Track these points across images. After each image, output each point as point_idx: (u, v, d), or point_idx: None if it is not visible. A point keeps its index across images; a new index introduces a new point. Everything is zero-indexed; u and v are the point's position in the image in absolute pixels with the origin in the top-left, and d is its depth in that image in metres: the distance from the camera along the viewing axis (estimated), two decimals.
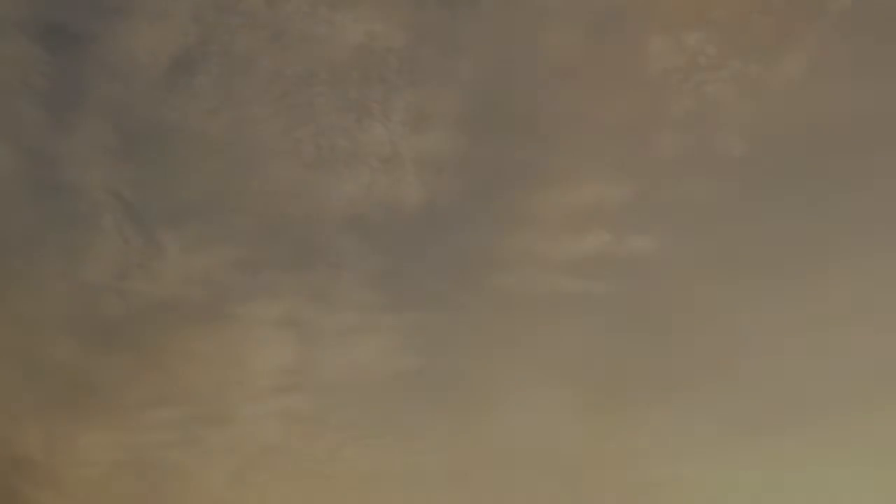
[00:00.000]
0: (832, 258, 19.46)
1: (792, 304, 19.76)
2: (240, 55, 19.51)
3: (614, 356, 20.33)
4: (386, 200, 20.12)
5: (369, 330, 20.79)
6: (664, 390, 20.13)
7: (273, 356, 20.63)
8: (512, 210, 20.16)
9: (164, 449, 20.50)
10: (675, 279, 20.06)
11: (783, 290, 19.83)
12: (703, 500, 19.96)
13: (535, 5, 19.82)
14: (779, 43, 19.11)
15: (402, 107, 19.70)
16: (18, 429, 20.16)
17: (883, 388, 19.19)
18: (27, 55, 19.20)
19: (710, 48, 19.08)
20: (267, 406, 20.75)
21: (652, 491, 20.16)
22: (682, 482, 19.97)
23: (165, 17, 19.27)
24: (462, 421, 20.67)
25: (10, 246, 19.88)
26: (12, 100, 19.39)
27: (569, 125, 19.76)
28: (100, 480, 20.34)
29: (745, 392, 19.89)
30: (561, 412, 20.40)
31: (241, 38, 19.38)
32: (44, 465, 20.16)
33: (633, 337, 20.23)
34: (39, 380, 20.20)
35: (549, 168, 20.01)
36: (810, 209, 19.62)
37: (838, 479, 19.33)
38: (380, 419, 20.89)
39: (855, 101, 18.92)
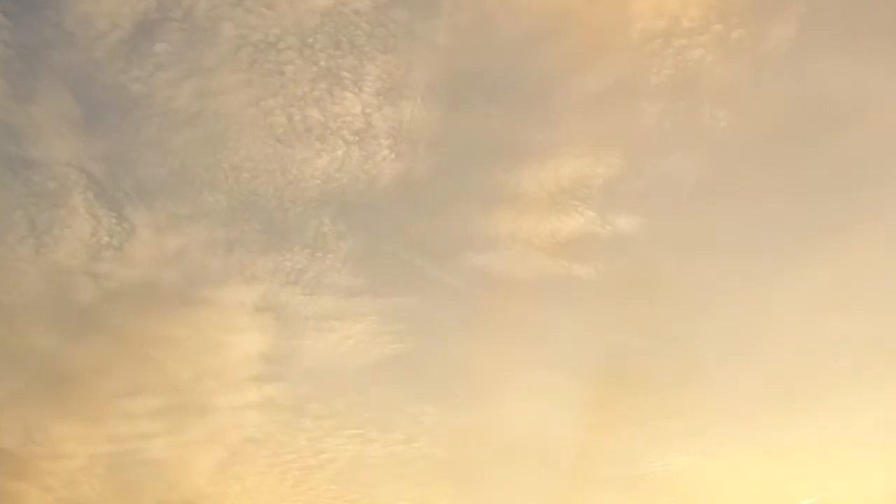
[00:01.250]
0: (827, 235, 18.66)
1: (787, 284, 19.11)
2: (202, 20, 18.67)
3: (602, 341, 19.81)
4: (360, 176, 19.33)
5: (348, 315, 20.41)
6: (655, 376, 19.45)
7: (251, 343, 20.23)
8: (491, 187, 19.44)
9: (144, 440, 20.12)
10: (663, 260, 19.26)
11: (777, 269, 19.27)
12: (697, 492, 19.34)
13: None
14: (765, 6, 18.08)
15: (374, 75, 18.86)
16: None
17: (882, 369, 18.40)
18: None
19: (692, 10, 18.03)
20: (246, 396, 20.33)
21: (646, 482, 19.65)
22: (675, 471, 19.38)
23: None
24: (446, 409, 20.40)
25: None
26: None
27: (548, 95, 18.88)
28: (79, 473, 19.83)
29: (740, 378, 19.42)
30: (549, 399, 19.95)
31: (202, 2, 18.52)
32: (20, 456, 19.67)
33: (621, 321, 19.60)
34: (13, 368, 19.77)
35: (529, 141, 19.30)
36: (803, 184, 18.82)
37: (837, 465, 18.67)
38: (360, 408, 20.58)
39: (848, 70, 18.03)
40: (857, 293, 18.54)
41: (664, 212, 19.14)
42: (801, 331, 19.01)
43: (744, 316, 19.20)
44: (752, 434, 19.21)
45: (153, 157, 19.58)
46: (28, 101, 19.05)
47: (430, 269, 19.95)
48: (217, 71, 18.93)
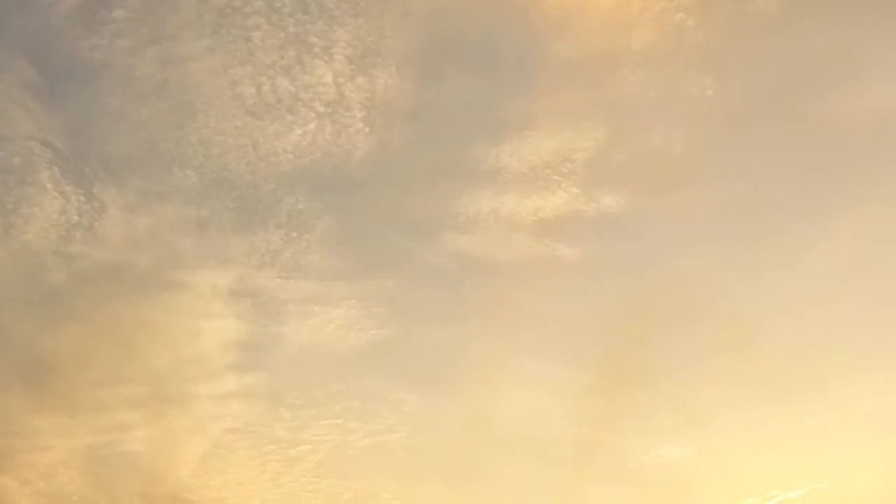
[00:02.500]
0: (823, 212, 17.87)
1: (783, 265, 18.21)
2: None
3: (591, 326, 19.03)
4: (334, 150, 18.54)
5: (327, 299, 19.82)
6: (645, 363, 18.47)
7: (228, 330, 19.55)
8: (470, 161, 18.66)
9: (123, 432, 19.57)
10: (651, 240, 18.38)
11: (771, 251, 18.41)
12: (689, 483, 18.44)
13: None
14: None
15: (345, 41, 18.07)
16: None
17: (878, 358, 17.37)
18: None
19: None
20: (224, 385, 19.75)
21: (638, 473, 19.00)
22: (667, 462, 18.52)
23: None
24: (428, 398, 19.82)
25: None
26: None
27: (526, 63, 18.02)
28: (57, 465, 19.22)
29: (734, 366, 18.46)
30: (536, 387, 19.32)
31: None
32: None
33: (610, 305, 18.80)
34: None
35: (508, 113, 18.39)
36: (795, 157, 17.94)
37: (829, 456, 17.70)
38: (340, 397, 19.99)
39: (839, 33, 17.35)
40: (856, 275, 17.55)
41: (651, 188, 18.37)
42: (797, 314, 18.16)
43: (737, 300, 18.22)
44: (745, 425, 18.58)
45: (119, 131, 19.07)
46: None
47: (410, 249, 19.31)
48: (180, 38, 18.34)
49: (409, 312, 19.48)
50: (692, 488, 18.72)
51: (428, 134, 18.64)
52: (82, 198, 18.99)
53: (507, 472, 19.07)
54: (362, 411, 19.74)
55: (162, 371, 19.59)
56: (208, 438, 19.87)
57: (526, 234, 18.79)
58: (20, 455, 19.38)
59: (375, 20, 18.03)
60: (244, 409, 19.81)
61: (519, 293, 18.83)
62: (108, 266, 19.35)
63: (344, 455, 19.77)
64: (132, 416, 19.62)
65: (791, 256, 17.87)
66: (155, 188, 19.14)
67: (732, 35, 17.19)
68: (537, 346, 18.97)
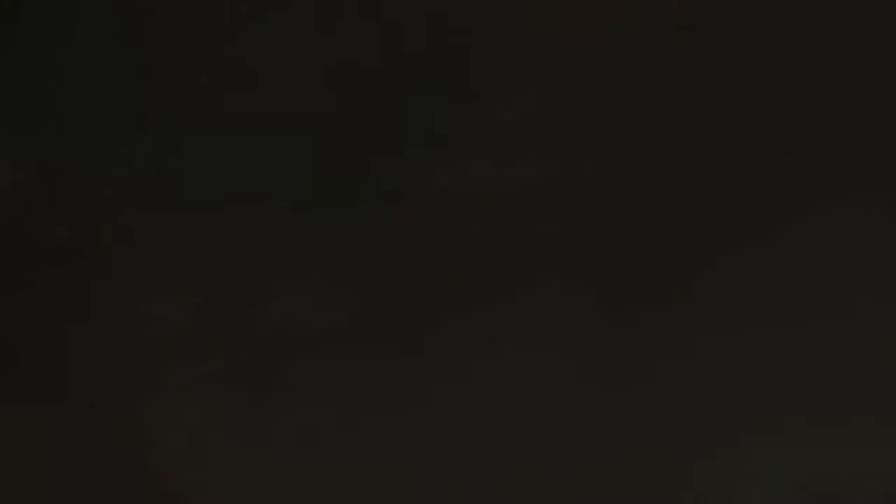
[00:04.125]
0: (816, 181, 16.15)
1: (774, 236, 16.55)
2: None
3: (573, 304, 17.59)
4: (295, 111, 17.67)
5: (296, 275, 18.61)
6: (631, 345, 17.31)
7: (197, 311, 18.70)
8: (438, 125, 17.59)
9: (94, 419, 18.72)
10: (635, 211, 17.19)
11: (762, 217, 16.75)
12: (676, 470, 17.15)
13: None
14: None
15: None
16: None
17: (877, 342, 15.97)
18: None
19: None
20: (191, 368, 18.83)
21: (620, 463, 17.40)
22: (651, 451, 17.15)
23: None
24: (408, 382, 18.30)
25: None
26: None
27: (496, 13, 16.83)
28: (26, 455, 18.52)
29: (726, 346, 16.92)
30: (516, 369, 17.91)
31: None
32: None
33: (594, 288, 17.40)
34: None
35: (477, 66, 17.28)
36: (790, 114, 16.28)
37: (824, 445, 16.28)
38: (315, 382, 18.73)
39: None
40: (851, 250, 16.09)
41: (636, 153, 17.04)
42: (792, 291, 16.59)
43: (726, 275, 16.87)
44: (736, 412, 16.95)
45: (69, 90, 18.11)
46: None
47: (381, 221, 18.28)
48: None
49: (382, 290, 18.52)
50: (678, 475, 17.60)
51: (391, 93, 17.79)
52: (37, 165, 18.52)
53: (497, 461, 18.09)
54: (337, 397, 18.92)
55: (128, 355, 19.07)
56: (179, 424, 19.31)
57: (501, 205, 17.87)
58: None
59: None
60: (214, 394, 19.15)
61: (496, 273, 17.97)
62: (66, 241, 18.93)
63: (319, 444, 18.98)
64: (102, 403, 19.05)
65: (784, 222, 16.54)
66: (112, 155, 18.46)
67: None
68: (519, 326, 18.02)
